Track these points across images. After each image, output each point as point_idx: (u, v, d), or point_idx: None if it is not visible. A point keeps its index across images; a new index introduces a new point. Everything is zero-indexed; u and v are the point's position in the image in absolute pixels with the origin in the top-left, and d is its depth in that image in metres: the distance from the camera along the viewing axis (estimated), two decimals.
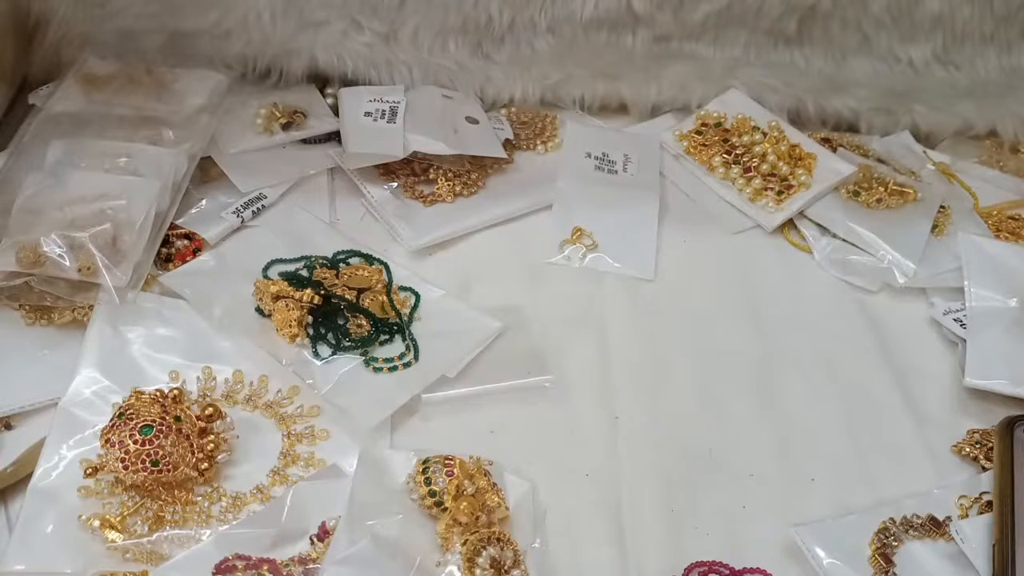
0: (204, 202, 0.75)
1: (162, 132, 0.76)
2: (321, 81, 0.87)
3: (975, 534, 0.58)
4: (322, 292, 0.67)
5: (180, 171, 0.73)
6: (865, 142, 0.88)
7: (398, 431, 0.63)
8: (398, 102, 0.82)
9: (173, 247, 0.72)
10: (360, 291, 0.70)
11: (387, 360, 0.66)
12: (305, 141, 0.82)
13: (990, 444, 0.64)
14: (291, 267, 0.71)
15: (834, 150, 0.85)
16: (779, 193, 0.81)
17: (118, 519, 0.56)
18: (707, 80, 0.88)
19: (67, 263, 0.65)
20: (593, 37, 0.85)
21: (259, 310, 0.68)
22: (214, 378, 0.64)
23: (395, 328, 0.68)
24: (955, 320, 0.72)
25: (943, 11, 0.83)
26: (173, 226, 0.72)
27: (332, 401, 0.63)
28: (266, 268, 0.71)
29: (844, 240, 0.78)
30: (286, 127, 0.82)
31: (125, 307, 0.66)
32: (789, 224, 0.80)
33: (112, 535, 0.55)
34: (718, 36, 0.86)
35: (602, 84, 0.88)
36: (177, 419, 0.58)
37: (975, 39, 0.85)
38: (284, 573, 0.53)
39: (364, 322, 0.68)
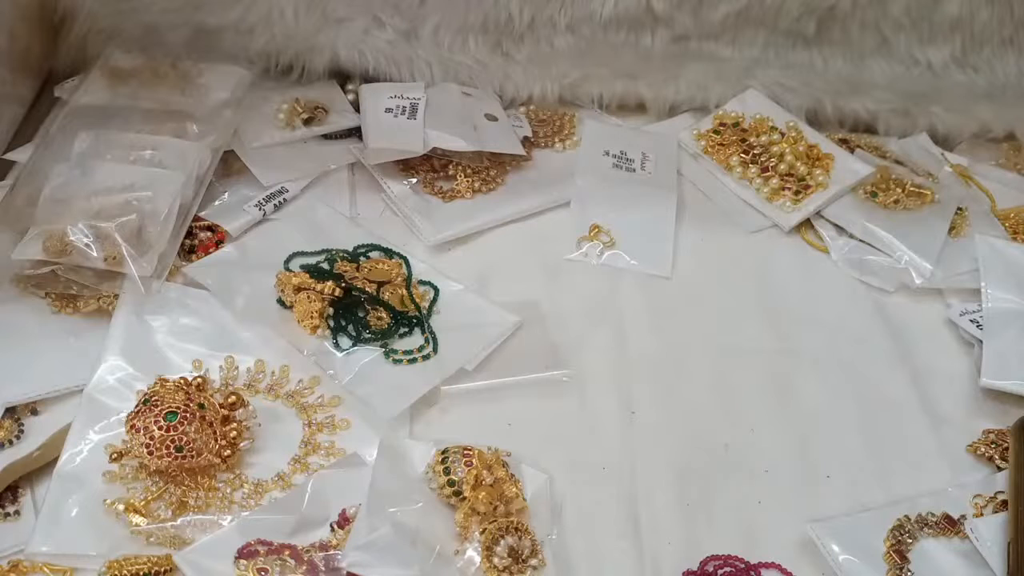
0: (227, 195, 0.76)
1: (186, 126, 0.77)
2: (342, 77, 0.88)
3: (990, 532, 0.59)
4: (343, 284, 0.68)
5: (204, 164, 0.74)
6: (883, 143, 0.88)
7: (417, 422, 0.64)
8: (418, 99, 0.83)
9: (196, 239, 0.73)
10: (380, 284, 0.70)
11: (406, 352, 0.67)
12: (326, 136, 0.83)
13: (1005, 444, 0.65)
14: (312, 260, 0.72)
15: (852, 151, 0.85)
16: (796, 193, 0.81)
17: (142, 504, 0.57)
18: (725, 80, 0.88)
19: (93, 252, 0.66)
20: (612, 36, 0.86)
21: (281, 301, 0.68)
22: (236, 367, 0.65)
23: (414, 321, 0.69)
24: (971, 321, 0.73)
25: (962, 14, 0.84)
26: (196, 218, 0.73)
27: (352, 391, 0.64)
28: (287, 260, 0.72)
29: (861, 240, 0.78)
30: (307, 122, 0.82)
31: (150, 296, 0.67)
32: (806, 224, 0.81)
33: (136, 519, 0.56)
34: (737, 36, 0.86)
35: (621, 83, 0.89)
36: (201, 406, 0.59)
37: (994, 42, 0.85)
38: (305, 559, 0.54)
39: (384, 315, 0.68)
